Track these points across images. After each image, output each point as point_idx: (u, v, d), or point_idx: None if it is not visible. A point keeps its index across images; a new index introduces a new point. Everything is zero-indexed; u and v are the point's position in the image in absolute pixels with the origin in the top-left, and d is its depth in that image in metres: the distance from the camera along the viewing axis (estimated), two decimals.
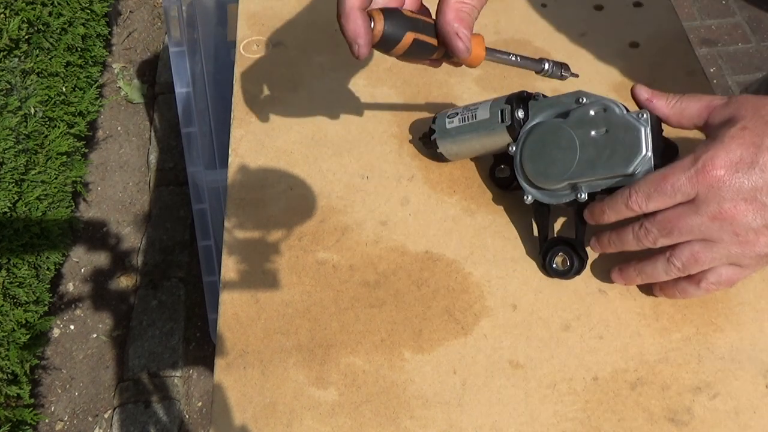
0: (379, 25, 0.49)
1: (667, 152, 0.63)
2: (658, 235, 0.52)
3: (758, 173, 0.48)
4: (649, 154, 0.53)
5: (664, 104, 0.56)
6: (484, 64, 0.54)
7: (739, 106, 0.51)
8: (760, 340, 0.56)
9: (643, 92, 0.56)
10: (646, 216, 0.52)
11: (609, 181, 0.55)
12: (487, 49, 0.53)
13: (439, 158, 0.66)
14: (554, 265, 0.59)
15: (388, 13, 0.49)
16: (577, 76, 0.58)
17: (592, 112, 0.55)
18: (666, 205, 0.51)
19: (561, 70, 0.56)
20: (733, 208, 0.48)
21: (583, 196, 0.56)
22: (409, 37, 0.50)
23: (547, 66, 0.56)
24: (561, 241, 0.59)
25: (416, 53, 0.52)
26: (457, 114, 0.63)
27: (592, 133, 0.55)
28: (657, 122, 0.55)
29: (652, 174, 0.51)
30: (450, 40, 0.50)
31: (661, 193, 0.50)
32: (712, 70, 2.03)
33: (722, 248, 0.50)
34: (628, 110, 0.55)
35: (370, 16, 0.49)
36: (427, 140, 0.65)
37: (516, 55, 0.55)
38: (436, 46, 0.52)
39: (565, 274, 0.58)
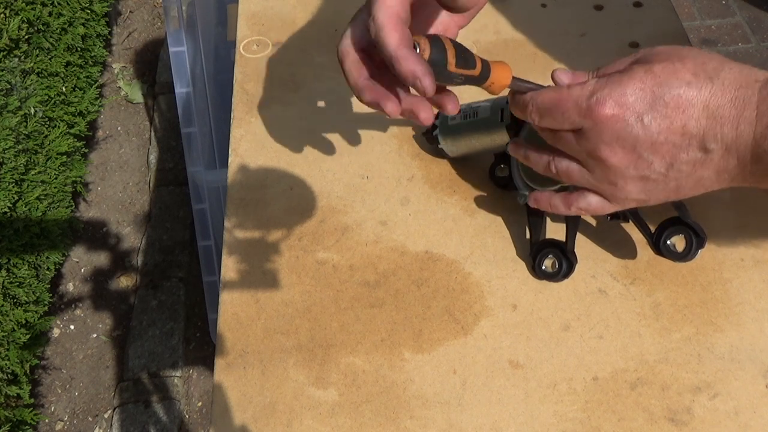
0: (427, 52, 0.47)
1: None
2: (546, 140, 0.52)
3: (644, 126, 0.46)
4: None
5: (584, 78, 0.52)
6: None
7: (661, 50, 0.48)
8: (760, 340, 0.56)
9: (563, 76, 0.52)
10: (540, 130, 0.52)
11: None
12: (513, 78, 0.51)
13: (441, 154, 0.67)
14: (543, 268, 0.59)
15: (431, 40, 0.48)
16: None
17: None
18: (556, 126, 0.50)
19: None
20: (609, 151, 0.47)
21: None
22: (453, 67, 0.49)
23: None
24: (551, 243, 0.59)
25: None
26: (460, 111, 0.63)
27: None
28: None
29: (552, 90, 0.50)
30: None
31: (552, 116, 0.49)
32: None
33: (594, 179, 0.50)
34: None
35: (416, 45, 0.47)
36: (429, 135, 0.66)
37: (540, 86, 0.53)
38: (476, 76, 0.50)
39: (554, 276, 0.58)
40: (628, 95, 0.46)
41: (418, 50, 0.46)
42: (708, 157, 0.45)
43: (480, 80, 0.50)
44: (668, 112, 0.45)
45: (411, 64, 0.46)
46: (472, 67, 0.49)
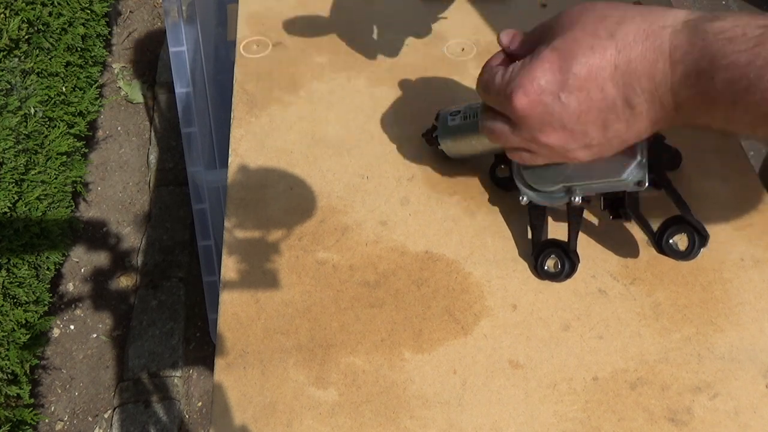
0: None
1: (668, 158, 0.63)
2: (489, 133, 0.53)
3: (563, 104, 0.45)
4: (644, 160, 0.53)
5: (516, 44, 0.52)
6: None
7: (559, 22, 0.48)
8: (760, 340, 0.56)
9: (504, 37, 0.53)
10: (485, 110, 0.53)
11: (604, 185, 0.55)
12: None
13: (441, 155, 0.66)
14: (545, 268, 0.59)
15: None
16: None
17: None
18: (495, 108, 0.50)
19: None
20: (543, 136, 0.48)
21: (577, 199, 0.56)
22: None
23: None
24: (553, 243, 0.59)
25: None
26: (460, 112, 0.63)
27: None
28: None
29: (489, 70, 0.50)
30: None
31: (490, 99, 0.50)
32: None
33: (546, 158, 0.51)
34: None
35: None
36: (429, 137, 0.66)
37: None
38: None
39: (556, 276, 0.58)
40: (538, 79, 0.46)
41: None
42: (637, 112, 0.45)
43: None
44: (581, 83, 0.45)
45: None
46: None
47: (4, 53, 1.43)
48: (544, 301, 0.58)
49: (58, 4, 1.62)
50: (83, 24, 1.75)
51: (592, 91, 0.45)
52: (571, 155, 0.49)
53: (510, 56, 0.52)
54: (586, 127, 0.46)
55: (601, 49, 0.44)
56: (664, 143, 0.60)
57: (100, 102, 1.86)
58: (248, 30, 0.79)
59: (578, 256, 0.59)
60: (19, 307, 1.41)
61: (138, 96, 2.01)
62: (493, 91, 0.49)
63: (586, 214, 0.62)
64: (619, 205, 0.57)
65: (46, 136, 1.54)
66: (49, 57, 1.59)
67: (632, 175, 0.53)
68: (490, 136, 0.53)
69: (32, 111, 1.48)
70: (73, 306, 1.66)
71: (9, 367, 1.35)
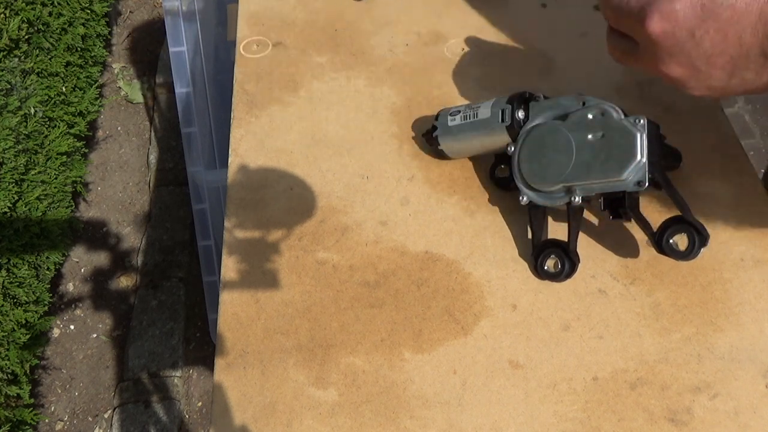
0: None
1: (669, 158, 0.63)
2: (614, 51, 0.53)
3: (695, 41, 0.44)
4: (644, 160, 0.53)
5: None
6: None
7: None
8: (760, 340, 0.56)
9: None
10: (610, 30, 0.52)
11: (603, 185, 0.55)
12: None
13: (441, 155, 0.66)
14: (545, 268, 0.59)
15: None
16: None
17: (590, 116, 0.55)
18: (619, 29, 0.50)
19: None
20: (666, 68, 0.47)
21: (577, 199, 0.56)
22: None
23: None
24: (553, 243, 0.59)
25: None
26: (460, 112, 0.63)
27: (589, 136, 0.55)
28: (655, 128, 0.55)
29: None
30: None
31: (616, 21, 0.50)
32: None
33: (664, 80, 0.50)
34: (626, 115, 0.55)
35: None
36: (429, 137, 0.65)
37: None
38: None
39: (556, 276, 0.58)
40: (677, 10, 0.44)
41: None
42: None
43: None
44: (721, 25, 0.43)
45: None
46: None
47: (4, 53, 1.43)
48: (544, 301, 0.58)
49: (58, 4, 1.62)
50: (83, 24, 1.75)
51: (730, 36, 0.43)
52: (689, 90, 0.49)
53: None
54: (712, 70, 0.45)
55: None
56: (664, 143, 0.60)
57: (100, 102, 1.86)
58: (248, 30, 0.79)
59: (578, 256, 0.59)
60: (19, 307, 1.41)
61: (138, 96, 2.01)
62: (625, 12, 0.48)
63: (586, 214, 0.62)
64: (619, 205, 0.57)
65: (46, 136, 1.54)
66: (49, 57, 1.59)
67: (632, 175, 0.53)
68: (615, 53, 0.52)
69: (32, 111, 1.48)
70: (73, 306, 1.66)
71: (9, 367, 1.35)
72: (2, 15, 1.41)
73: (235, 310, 0.59)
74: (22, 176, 1.43)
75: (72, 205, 1.67)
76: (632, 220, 0.57)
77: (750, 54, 0.43)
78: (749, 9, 0.42)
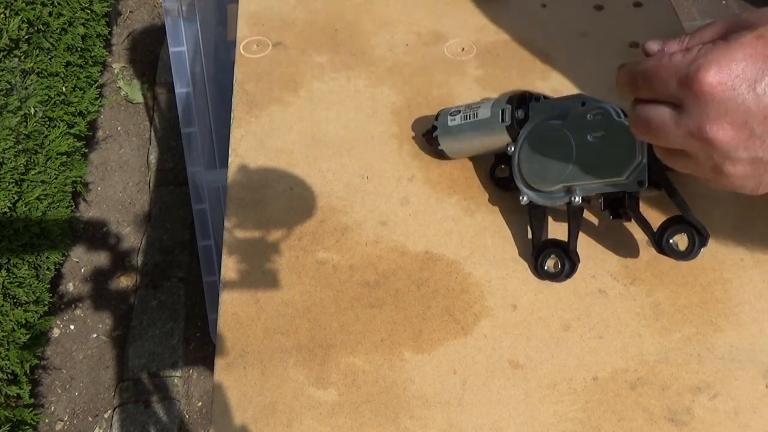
0: None
1: None
2: (640, 131, 0.46)
3: (757, 95, 0.40)
4: (644, 160, 0.53)
5: (675, 45, 0.47)
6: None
7: (760, 12, 0.42)
8: (760, 340, 0.56)
9: (653, 45, 0.48)
10: (635, 102, 0.46)
11: (603, 185, 0.55)
12: None
13: (441, 155, 0.66)
14: (546, 268, 0.59)
15: None
16: None
17: (590, 116, 0.55)
18: (655, 96, 0.44)
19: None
20: (715, 128, 0.41)
21: (577, 199, 0.56)
22: None
23: None
24: (553, 243, 0.59)
25: None
26: (460, 112, 0.63)
27: (589, 136, 0.55)
28: None
29: (653, 57, 0.45)
30: None
31: (651, 84, 0.44)
32: None
33: (696, 164, 0.44)
34: (626, 115, 0.55)
35: None
36: (429, 137, 0.66)
37: None
38: None
39: (556, 276, 0.58)
40: (737, 61, 0.40)
41: None
42: None
43: None
44: None
45: None
46: None
47: (4, 53, 1.43)
48: (544, 301, 0.58)
49: (58, 4, 1.62)
50: (83, 24, 1.75)
51: None
52: (729, 167, 0.42)
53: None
54: (767, 135, 0.41)
55: None
56: None
57: (100, 102, 1.86)
58: (248, 30, 0.79)
59: (578, 256, 0.59)
60: (19, 307, 1.41)
61: (138, 96, 2.01)
62: (665, 73, 0.43)
63: (586, 214, 0.62)
64: (619, 205, 0.57)
65: (46, 136, 1.54)
66: (49, 57, 1.59)
67: (632, 175, 0.53)
68: (643, 127, 0.45)
69: (32, 111, 1.48)
70: (73, 306, 1.66)
71: (9, 367, 1.35)
72: (2, 15, 1.41)
73: (235, 310, 0.59)
74: (22, 176, 1.43)
75: (72, 205, 1.67)
76: (632, 220, 0.57)
77: None
78: None
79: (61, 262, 1.67)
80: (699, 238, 0.54)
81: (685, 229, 0.55)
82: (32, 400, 1.44)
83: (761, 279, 0.59)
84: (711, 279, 0.59)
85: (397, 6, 0.82)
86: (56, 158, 1.57)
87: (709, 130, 0.41)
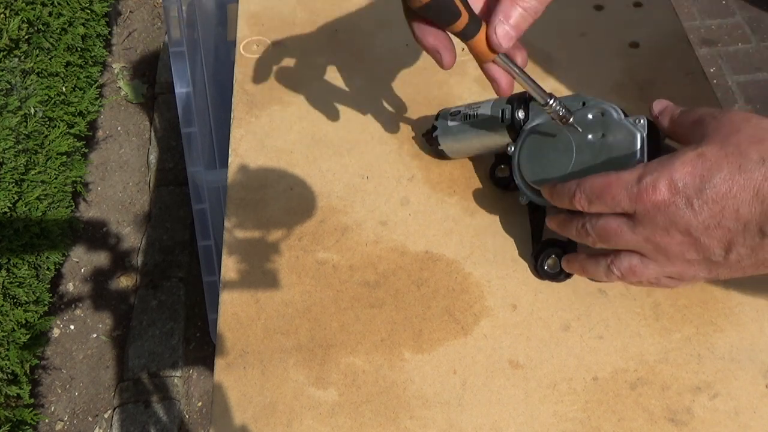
0: None
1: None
2: (596, 240, 0.51)
3: (694, 211, 0.45)
4: (644, 160, 0.53)
5: (667, 118, 0.53)
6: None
7: (715, 125, 0.47)
8: (760, 340, 0.56)
9: (657, 106, 0.54)
10: (590, 216, 0.51)
11: None
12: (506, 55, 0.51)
13: (441, 155, 0.66)
14: (545, 268, 0.59)
15: None
16: (574, 126, 0.55)
17: (590, 116, 0.55)
18: (607, 211, 0.49)
19: (563, 111, 0.53)
20: (666, 236, 0.47)
21: None
22: None
23: (552, 102, 0.53)
24: (553, 243, 0.59)
25: (437, 15, 0.50)
26: (460, 112, 0.63)
27: (589, 137, 0.55)
28: (655, 129, 0.55)
29: (600, 176, 0.49)
30: (489, 33, 0.50)
31: (603, 201, 0.49)
32: (712, 70, 2.03)
33: (658, 266, 0.49)
34: (626, 115, 0.55)
35: None
36: (429, 137, 0.65)
37: (528, 77, 0.52)
38: (458, 14, 0.49)
39: (556, 276, 0.58)
40: (677, 180, 0.45)
41: None
42: (766, 241, 0.44)
43: (470, 26, 0.50)
44: (719, 198, 0.44)
45: (434, 39, 0.50)
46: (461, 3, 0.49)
47: (4, 53, 1.43)
48: (544, 301, 0.58)
49: (58, 4, 1.62)
50: (83, 24, 1.75)
51: (727, 209, 0.44)
52: (686, 267, 0.48)
53: None
54: (711, 241, 0.46)
55: (748, 172, 0.43)
56: (664, 143, 0.60)
57: (100, 102, 1.86)
58: (248, 30, 0.79)
59: None
60: (19, 307, 1.41)
61: (138, 96, 2.01)
62: (616, 189, 0.48)
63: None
64: None
65: (46, 136, 1.54)
66: (49, 57, 1.59)
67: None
68: (603, 236, 0.50)
69: (32, 111, 1.48)
70: (73, 306, 1.66)
71: (9, 367, 1.35)
72: (2, 15, 1.41)
73: (235, 310, 0.59)
74: (22, 176, 1.43)
75: (72, 205, 1.67)
76: None
77: (747, 229, 0.44)
78: (746, 186, 0.43)
79: (61, 262, 1.67)
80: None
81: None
82: (32, 400, 1.44)
83: (761, 279, 0.59)
84: None
85: (397, 6, 0.82)
86: (56, 158, 1.57)
87: (661, 237, 0.47)
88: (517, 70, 0.52)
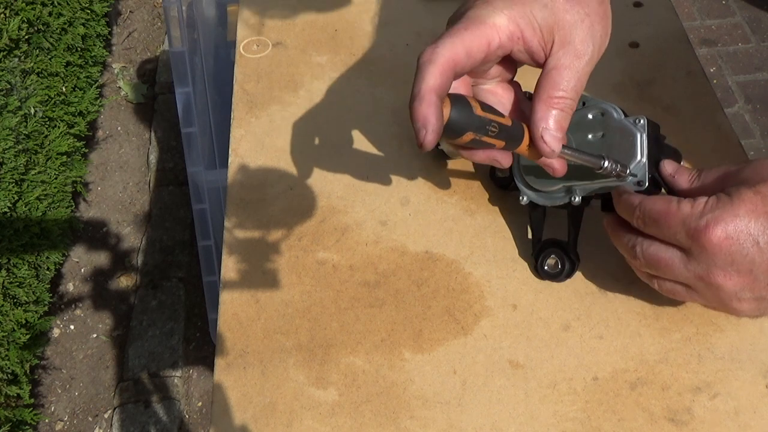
0: (446, 111, 0.45)
1: (667, 158, 0.63)
2: (643, 265, 0.51)
3: (760, 249, 0.45)
4: (644, 160, 0.53)
5: (685, 179, 0.53)
6: None
7: (756, 166, 0.47)
8: (760, 340, 0.56)
9: (668, 167, 0.53)
10: (642, 238, 0.50)
11: (603, 185, 0.55)
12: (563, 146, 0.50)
13: (441, 155, 0.66)
14: (546, 268, 0.59)
15: (455, 100, 0.46)
16: (635, 176, 0.53)
17: (590, 116, 0.55)
18: (659, 237, 0.49)
19: (619, 168, 0.52)
20: (723, 276, 0.46)
21: (577, 199, 0.56)
22: (467, 136, 0.46)
23: (606, 164, 0.52)
24: (554, 243, 0.59)
25: (476, 148, 0.50)
26: None
27: (589, 136, 0.55)
28: (655, 129, 0.55)
29: (661, 201, 0.49)
30: (536, 141, 0.49)
31: (660, 227, 0.48)
32: (712, 70, 2.03)
33: (702, 300, 0.50)
34: (626, 115, 0.55)
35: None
36: None
37: (581, 153, 0.52)
38: (509, 126, 0.49)
39: (557, 276, 0.58)
40: (740, 218, 0.45)
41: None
42: None
43: (515, 134, 0.49)
44: None
45: (429, 112, 0.45)
46: (500, 116, 0.48)
47: (4, 53, 1.43)
48: (544, 301, 0.58)
49: (58, 4, 1.62)
50: (83, 24, 1.75)
51: None
52: (735, 304, 0.48)
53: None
54: None
55: None
56: (664, 143, 0.60)
57: (100, 102, 1.86)
58: (248, 30, 0.80)
59: (578, 256, 0.59)
60: (19, 307, 1.41)
61: (138, 96, 2.01)
62: (673, 221, 0.47)
63: (586, 214, 0.62)
64: None
65: (46, 136, 1.54)
66: (49, 57, 1.59)
67: (632, 175, 0.53)
68: (653, 264, 0.49)
69: (32, 111, 1.48)
70: (73, 306, 1.66)
71: (9, 367, 1.36)
72: (2, 15, 1.41)
73: (235, 310, 0.59)
74: (22, 176, 1.43)
75: (72, 205, 1.67)
76: None
77: None
78: None
79: (61, 262, 1.67)
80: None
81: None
82: (32, 400, 1.44)
83: None
84: None
85: (397, 6, 0.82)
86: (56, 158, 1.57)
87: (717, 277, 0.46)
88: (569, 153, 0.51)
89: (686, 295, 0.50)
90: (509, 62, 0.53)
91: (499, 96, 0.54)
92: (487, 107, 0.47)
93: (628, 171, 0.53)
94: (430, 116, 0.44)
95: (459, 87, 0.51)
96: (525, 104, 0.54)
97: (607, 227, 0.55)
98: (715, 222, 0.45)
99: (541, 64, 0.50)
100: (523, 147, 0.50)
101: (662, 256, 0.49)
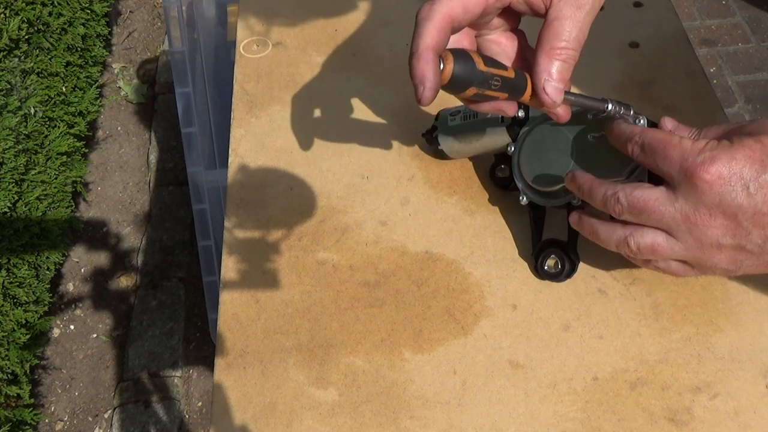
0: (449, 67, 0.46)
1: None
2: (625, 210, 0.49)
3: (749, 194, 0.44)
4: None
5: (687, 132, 0.52)
6: None
7: (761, 123, 0.47)
8: (760, 340, 0.56)
9: (668, 123, 0.53)
10: (624, 185, 0.49)
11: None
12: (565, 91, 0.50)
13: (441, 155, 0.66)
14: (546, 268, 0.59)
15: (458, 56, 0.46)
16: (640, 114, 0.53)
17: (590, 116, 0.55)
18: (651, 168, 0.48)
19: (623, 109, 0.52)
20: (708, 216, 0.46)
21: (577, 199, 0.56)
22: (470, 91, 0.47)
23: (610, 106, 0.52)
24: (554, 243, 0.59)
25: (480, 101, 0.50)
26: (460, 112, 0.63)
27: (589, 137, 0.55)
28: (655, 128, 0.55)
29: (663, 133, 0.48)
30: (538, 93, 0.49)
31: (653, 156, 0.48)
32: (712, 70, 2.03)
33: (682, 248, 0.48)
34: (638, 115, 0.55)
35: (440, 58, 0.46)
36: (429, 136, 0.66)
37: (583, 97, 0.52)
38: (512, 78, 0.49)
39: (556, 276, 0.58)
40: (736, 160, 0.44)
41: (441, 63, 0.46)
42: None
43: (518, 86, 0.49)
44: None
45: (427, 68, 0.45)
46: (503, 68, 0.48)
47: (4, 53, 1.43)
48: (544, 301, 0.58)
49: (58, 4, 1.62)
50: (83, 24, 1.75)
51: None
52: (713, 251, 0.47)
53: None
54: (754, 228, 0.45)
55: None
56: None
57: (100, 102, 1.86)
58: (248, 30, 0.80)
59: (578, 256, 0.59)
60: (19, 307, 1.41)
61: (138, 96, 2.01)
62: (672, 152, 0.47)
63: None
64: None
65: (46, 136, 1.54)
66: (49, 57, 1.59)
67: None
68: (634, 204, 0.48)
69: (32, 111, 1.48)
70: (73, 306, 1.66)
71: (9, 367, 1.36)
72: (2, 15, 1.41)
73: (235, 310, 0.59)
74: (22, 176, 1.43)
75: (72, 205, 1.67)
76: None
77: None
78: None
79: (61, 262, 1.67)
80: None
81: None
82: (32, 400, 1.44)
83: (761, 279, 0.59)
84: (711, 279, 0.59)
85: (397, 6, 0.82)
86: (56, 158, 1.57)
87: (702, 216, 0.46)
88: (573, 98, 0.50)
89: (666, 246, 0.48)
90: (511, 12, 0.53)
91: (502, 46, 0.54)
92: (489, 61, 0.47)
93: (632, 111, 0.52)
94: (428, 73, 0.45)
95: (462, 39, 0.51)
96: (529, 52, 0.54)
97: (571, 185, 0.53)
98: (712, 160, 0.45)
99: (542, 15, 0.50)
100: (527, 97, 0.50)
101: (649, 195, 0.48)
